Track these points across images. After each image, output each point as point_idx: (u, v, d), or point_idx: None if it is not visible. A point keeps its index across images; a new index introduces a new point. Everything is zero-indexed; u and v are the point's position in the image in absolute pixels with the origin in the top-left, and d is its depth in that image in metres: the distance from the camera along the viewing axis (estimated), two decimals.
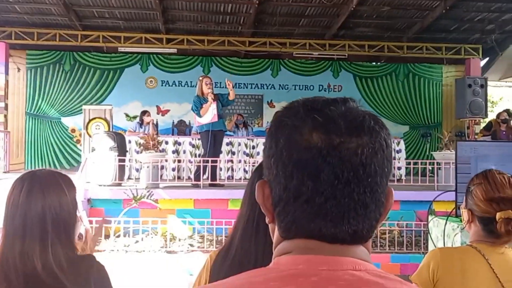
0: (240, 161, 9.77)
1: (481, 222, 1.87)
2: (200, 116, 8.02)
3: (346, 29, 12.71)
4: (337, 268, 0.73)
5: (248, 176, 9.22)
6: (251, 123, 13.32)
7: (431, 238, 4.23)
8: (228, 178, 9.05)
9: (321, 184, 0.73)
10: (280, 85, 14.43)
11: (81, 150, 11.42)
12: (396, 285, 0.72)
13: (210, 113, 7.99)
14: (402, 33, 13.18)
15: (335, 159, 0.73)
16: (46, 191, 1.73)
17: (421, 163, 8.79)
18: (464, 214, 1.96)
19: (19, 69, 13.49)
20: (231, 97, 8.25)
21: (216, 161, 8.20)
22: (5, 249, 1.69)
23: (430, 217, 5.19)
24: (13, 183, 1.79)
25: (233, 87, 8.25)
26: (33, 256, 1.65)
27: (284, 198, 0.77)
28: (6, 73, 12.60)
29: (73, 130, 13.52)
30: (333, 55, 13.61)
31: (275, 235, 0.82)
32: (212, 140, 8.09)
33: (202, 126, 8.13)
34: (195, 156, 9.80)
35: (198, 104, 8.04)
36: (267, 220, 0.83)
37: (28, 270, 1.64)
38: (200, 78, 8.41)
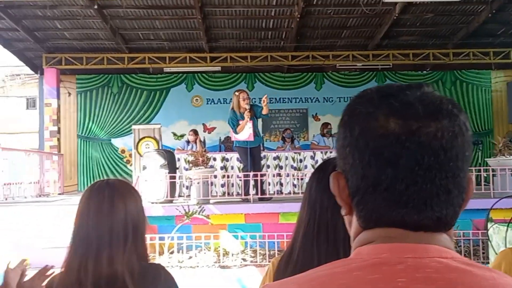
0: (288, 175, 9.74)
1: None
2: (236, 133, 8.07)
3: (389, 38, 12.60)
4: (423, 255, 0.71)
5: (296, 190, 9.19)
6: (297, 137, 13.29)
7: (492, 246, 4.10)
8: (277, 192, 9.03)
9: (401, 170, 0.71)
10: (324, 98, 14.38)
11: (131, 170, 11.66)
12: (485, 272, 0.70)
13: (246, 132, 8.01)
14: (447, 40, 12.97)
15: (414, 144, 0.71)
16: (127, 199, 1.77)
17: (475, 170, 8.55)
18: None
19: (69, 94, 13.94)
20: (264, 112, 8.23)
21: (263, 175, 8.21)
22: (86, 255, 1.71)
23: (489, 225, 5.04)
24: (87, 193, 1.80)
25: (267, 103, 8.19)
26: (116, 261, 1.68)
27: (363, 187, 0.75)
28: (58, 97, 13.06)
29: (123, 151, 13.82)
30: (377, 65, 13.53)
31: (353, 226, 0.81)
32: (251, 156, 8.12)
33: (237, 142, 8.19)
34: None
35: (235, 121, 8.09)
36: (343, 212, 0.81)
37: (111, 273, 1.67)
38: (236, 94, 8.38)
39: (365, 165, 0.74)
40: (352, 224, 0.81)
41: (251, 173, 8.20)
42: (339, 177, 0.79)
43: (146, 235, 1.85)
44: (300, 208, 1.71)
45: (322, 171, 1.68)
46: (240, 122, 8.04)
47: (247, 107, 8.09)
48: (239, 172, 9.95)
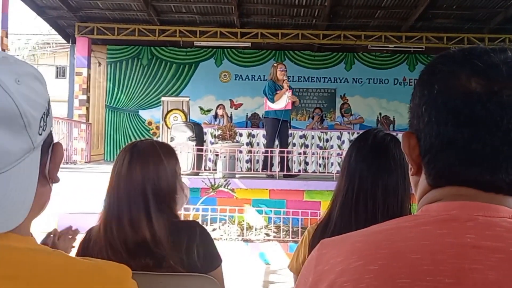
0: (313, 154, 9.71)
1: None
2: (273, 101, 8.00)
3: (424, 20, 12.35)
4: (494, 215, 0.71)
5: (321, 169, 9.16)
6: (325, 116, 13.21)
7: None
8: (302, 170, 9.02)
9: (479, 130, 0.71)
10: (353, 78, 14.27)
11: None
12: None
13: (283, 100, 7.98)
14: (483, 24, 12.67)
15: (495, 105, 0.70)
16: (145, 162, 1.76)
17: None
18: None
19: (100, 64, 14.05)
20: (295, 104, 8.28)
21: (290, 152, 8.20)
22: (110, 218, 1.74)
23: None
24: (118, 155, 1.85)
25: (292, 100, 8.21)
26: (140, 225, 1.69)
27: (437, 145, 0.75)
28: (89, 67, 13.17)
29: (150, 123, 13.94)
30: (410, 47, 13.29)
31: (420, 185, 0.81)
32: (280, 129, 8.08)
33: (270, 112, 8.14)
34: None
35: (273, 89, 8.03)
36: (410, 172, 0.82)
37: (139, 238, 1.67)
38: (275, 65, 8.40)
39: (442, 123, 0.74)
40: (419, 184, 0.81)
41: (277, 150, 8.21)
42: (410, 136, 0.80)
43: (176, 196, 1.84)
44: (338, 178, 1.72)
45: (363, 141, 1.68)
46: (278, 92, 8.02)
47: (285, 78, 8.08)
48: (264, 148, 9.96)
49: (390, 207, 1.55)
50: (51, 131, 0.88)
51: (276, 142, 8.47)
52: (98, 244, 1.72)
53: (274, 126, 8.08)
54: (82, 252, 1.79)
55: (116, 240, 1.69)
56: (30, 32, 22.23)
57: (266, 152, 8.35)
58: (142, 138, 2.07)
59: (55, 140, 0.91)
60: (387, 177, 1.55)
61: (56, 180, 0.90)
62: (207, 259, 1.76)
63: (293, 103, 8.36)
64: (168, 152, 1.86)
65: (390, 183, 1.55)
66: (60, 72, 23.54)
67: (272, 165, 8.25)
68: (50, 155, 0.88)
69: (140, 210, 1.71)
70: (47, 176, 0.87)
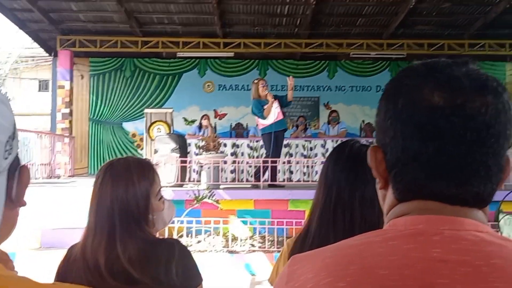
0: (298, 163, 9.72)
1: None
2: (264, 118, 7.99)
3: (404, 27, 12.48)
4: (460, 228, 0.71)
5: (306, 177, 9.17)
6: (308, 125, 13.24)
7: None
8: (287, 179, 9.03)
9: (443, 144, 0.72)
10: (336, 86, 14.33)
11: (141, 154, 11.70)
12: None
13: (273, 113, 7.98)
14: (463, 30, 12.80)
15: (458, 118, 0.71)
16: (115, 183, 1.74)
17: None
18: None
19: (82, 76, 13.97)
20: (289, 98, 8.20)
21: (275, 162, 8.20)
22: (87, 236, 1.72)
23: (500, 216, 5.01)
24: (97, 173, 1.84)
25: (293, 88, 8.19)
26: (109, 245, 1.67)
27: (403, 159, 0.75)
28: (71, 80, 13.08)
29: (134, 135, 13.87)
30: (391, 55, 13.39)
31: (387, 199, 0.81)
32: (275, 140, 8.06)
33: (265, 128, 8.12)
34: (253, 158, 9.84)
35: (259, 106, 8.02)
36: (378, 186, 0.83)
37: (111, 259, 1.65)
38: (256, 81, 8.37)
39: (407, 137, 0.74)
40: (386, 197, 0.81)
41: (263, 159, 8.20)
42: (377, 150, 0.80)
43: (149, 216, 1.81)
44: (316, 190, 1.71)
45: (340, 152, 1.67)
46: (265, 107, 8.01)
47: (267, 92, 8.09)
48: (249, 158, 9.96)
49: (368, 218, 1.54)
50: (17, 154, 0.87)
51: None
52: (77, 263, 1.70)
53: (269, 139, 8.09)
54: (62, 270, 1.76)
55: (90, 260, 1.67)
56: (12, 46, 22.05)
57: (250, 162, 8.33)
58: (124, 155, 2.06)
59: (25, 161, 0.90)
60: (364, 188, 1.55)
61: (23, 203, 0.89)
62: (186, 277, 1.73)
63: (284, 100, 8.27)
64: (142, 172, 1.81)
65: (367, 194, 1.54)
66: (42, 86, 23.34)
67: (258, 175, 8.23)
68: (17, 179, 0.86)
69: (104, 235, 1.69)
70: (13, 200, 0.86)
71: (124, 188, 1.73)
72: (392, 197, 0.79)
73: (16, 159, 0.86)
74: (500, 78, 9.01)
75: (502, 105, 0.73)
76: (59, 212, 6.77)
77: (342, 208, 1.57)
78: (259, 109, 8.00)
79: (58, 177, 11.06)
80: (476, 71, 0.75)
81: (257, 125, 8.66)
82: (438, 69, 0.75)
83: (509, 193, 3.71)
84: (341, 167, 1.62)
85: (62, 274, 1.74)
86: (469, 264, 0.67)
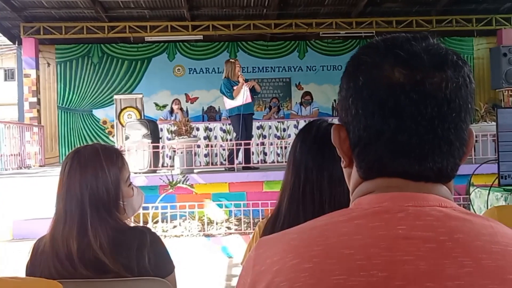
0: (271, 144, 9.74)
1: None
2: (232, 98, 7.97)
3: (373, 5, 12.49)
4: (424, 204, 0.72)
5: (280, 159, 9.20)
6: (281, 106, 13.25)
7: (473, 209, 4.17)
8: (261, 161, 9.04)
9: (404, 121, 0.72)
10: (307, 66, 14.30)
11: (113, 141, 11.57)
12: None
13: (242, 95, 7.96)
14: (430, 7, 12.89)
15: (418, 94, 0.71)
16: (84, 170, 1.73)
17: None
18: None
19: (49, 64, 13.67)
20: (257, 90, 8.29)
21: (249, 144, 8.20)
22: (56, 226, 1.71)
23: (471, 189, 5.09)
24: (63, 161, 1.81)
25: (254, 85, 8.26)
26: (80, 233, 1.66)
27: (365, 137, 0.75)
28: (37, 68, 12.82)
29: (105, 122, 13.69)
30: (361, 33, 13.43)
31: (352, 178, 0.81)
32: (243, 123, 8.06)
33: (233, 109, 8.09)
34: (227, 141, 9.82)
35: (229, 87, 8.00)
36: (342, 164, 0.83)
37: (81, 247, 1.65)
38: (232, 60, 8.40)
39: (369, 115, 0.74)
40: (351, 176, 0.82)
41: (235, 142, 8.20)
42: (340, 129, 0.80)
43: (120, 203, 1.80)
44: (285, 171, 1.71)
45: (307, 132, 1.67)
46: (235, 88, 7.99)
47: (241, 73, 8.16)
48: (222, 142, 9.94)
49: (337, 197, 1.55)
50: None
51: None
52: (45, 255, 1.68)
53: (238, 121, 8.07)
54: (30, 264, 1.74)
55: (61, 249, 1.65)
56: None
57: (224, 145, 8.32)
58: (90, 143, 2.03)
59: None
60: (332, 167, 1.55)
61: None
62: (158, 265, 1.73)
63: (253, 90, 8.33)
64: (111, 159, 1.80)
65: (335, 173, 1.54)
66: (8, 75, 22.88)
67: (231, 157, 8.23)
68: None
69: (74, 223, 1.68)
70: None
71: (94, 175, 1.73)
72: (356, 176, 0.79)
73: None
74: (467, 53, 9.12)
75: (463, 79, 0.73)
76: (30, 203, 6.68)
77: (311, 188, 1.58)
78: (229, 88, 7.99)
79: (29, 167, 10.88)
80: (436, 46, 0.75)
81: (224, 105, 8.63)
82: (397, 45, 0.75)
83: (478, 167, 3.77)
84: (308, 147, 1.61)
85: (31, 268, 1.72)
86: (433, 240, 0.67)
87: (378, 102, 0.73)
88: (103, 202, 1.72)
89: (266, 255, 0.74)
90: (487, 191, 2.94)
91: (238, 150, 8.16)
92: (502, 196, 2.89)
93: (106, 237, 1.66)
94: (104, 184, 1.73)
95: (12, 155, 10.51)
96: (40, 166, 11.38)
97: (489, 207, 3.17)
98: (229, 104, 8.11)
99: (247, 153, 8.19)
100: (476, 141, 8.22)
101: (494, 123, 3.30)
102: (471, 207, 3.67)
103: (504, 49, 9.58)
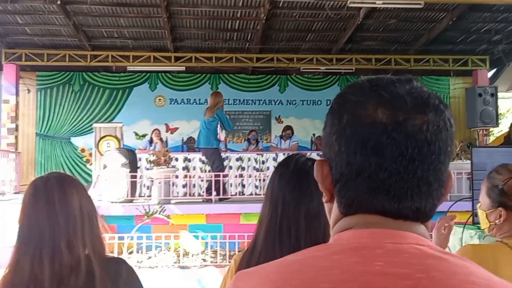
0: (250, 176, 9.72)
1: None
2: (231, 128, 8.19)
3: (353, 43, 12.75)
4: (402, 241, 0.73)
5: (258, 191, 9.17)
6: (260, 138, 13.29)
7: (448, 247, 4.20)
8: (239, 193, 9.00)
9: (385, 160, 0.73)
10: (287, 100, 14.42)
11: (90, 170, 11.45)
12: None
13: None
14: (408, 46, 13.19)
15: (400, 135, 0.72)
16: (77, 187, 1.75)
17: None
18: (492, 214, 1.91)
19: (29, 91, 13.56)
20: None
21: (226, 176, 8.18)
22: (41, 247, 1.65)
23: None
24: (31, 189, 1.73)
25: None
26: (76, 247, 1.64)
27: (346, 174, 0.76)
28: (17, 94, 12.73)
29: (83, 150, 13.54)
30: (340, 69, 13.62)
31: (333, 213, 0.82)
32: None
33: (218, 142, 8.16)
34: (205, 172, 9.78)
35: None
36: (324, 199, 0.83)
37: (75, 261, 1.63)
38: (221, 92, 8.52)
39: (351, 152, 0.75)
40: (332, 211, 0.82)
41: (214, 173, 8.17)
42: (323, 164, 0.81)
43: (103, 233, 1.80)
44: (263, 204, 1.70)
45: (285, 167, 1.67)
46: None
47: None
48: (201, 173, 9.89)
49: (313, 232, 1.54)
50: None
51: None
52: (20, 278, 1.62)
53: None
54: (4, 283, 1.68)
55: (45, 272, 1.60)
56: None
57: (203, 177, 8.28)
58: (73, 171, 2.00)
59: None
60: (309, 202, 1.55)
61: None
62: None
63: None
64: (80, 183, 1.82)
65: (312, 209, 1.54)
66: None
67: (218, 188, 8.19)
68: None
69: (78, 233, 1.67)
70: None
71: (84, 192, 1.77)
72: (337, 211, 0.80)
73: None
74: (444, 92, 9.29)
75: (444, 122, 0.75)
76: (4, 230, 6.52)
77: (287, 222, 1.57)
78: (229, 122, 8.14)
79: (3, 194, 10.66)
80: (419, 89, 0.77)
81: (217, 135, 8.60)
82: (382, 86, 0.77)
83: (453, 204, 3.78)
84: (286, 181, 1.61)
85: None
86: (410, 277, 0.68)
87: (360, 140, 0.74)
88: (89, 221, 1.71)
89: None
90: (462, 228, 2.95)
91: (217, 182, 8.14)
92: (476, 234, 2.91)
93: (97, 251, 1.65)
94: (87, 204, 1.74)
95: None
96: (15, 193, 11.16)
97: (463, 245, 3.18)
98: (221, 137, 8.14)
99: (224, 185, 8.18)
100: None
101: (469, 161, 3.34)
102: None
103: (479, 89, 9.78)
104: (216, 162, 8.33)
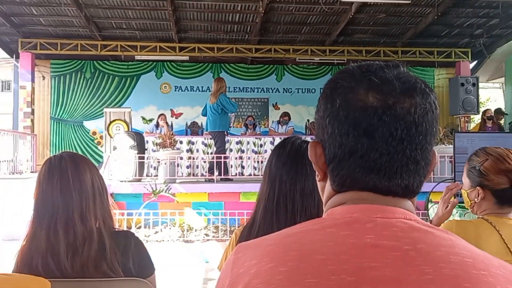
0: (249, 158, 9.73)
1: (495, 195, 1.85)
2: (235, 110, 8.32)
3: (345, 35, 12.68)
4: (391, 216, 0.73)
5: (256, 172, 9.19)
6: (258, 123, 13.28)
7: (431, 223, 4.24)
8: (239, 174, 9.02)
9: (376, 141, 0.73)
10: (284, 88, 14.38)
11: (101, 151, 11.44)
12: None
13: None
14: (397, 39, 13.13)
15: (389, 117, 0.72)
16: (89, 164, 1.76)
17: None
18: (472, 193, 1.93)
19: (44, 77, 13.52)
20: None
21: (227, 158, 8.20)
22: (55, 218, 1.66)
23: (430, 205, 5.15)
24: (47, 166, 1.72)
25: None
26: (88, 218, 1.65)
27: (339, 154, 0.76)
28: (33, 81, 12.67)
29: (94, 133, 13.54)
30: (333, 60, 13.58)
31: (326, 190, 0.82)
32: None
33: (226, 126, 8.18)
34: (207, 154, 9.80)
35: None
36: (317, 178, 0.83)
37: (88, 231, 1.64)
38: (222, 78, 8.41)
39: (344, 134, 0.75)
40: (325, 189, 0.82)
41: (216, 155, 8.18)
42: (316, 145, 0.80)
43: (113, 209, 1.80)
44: (261, 183, 1.71)
45: (281, 148, 1.67)
46: None
47: None
48: (204, 154, 9.91)
49: (308, 208, 1.55)
50: None
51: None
52: (37, 247, 1.62)
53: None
54: (19, 260, 1.68)
55: (60, 242, 1.61)
56: None
57: (205, 158, 8.29)
58: (85, 152, 2.00)
59: None
60: (304, 181, 1.56)
61: None
62: (141, 266, 1.72)
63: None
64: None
65: (307, 186, 1.55)
66: (5, 86, 22.52)
67: (213, 170, 8.19)
68: None
69: (90, 205, 1.69)
70: None
71: (95, 168, 1.77)
72: (330, 189, 0.80)
73: None
74: (429, 82, 9.24)
75: (429, 105, 0.75)
76: (21, 205, 6.54)
77: (284, 199, 1.58)
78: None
79: (21, 172, 10.67)
80: (406, 74, 0.77)
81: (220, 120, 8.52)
82: (371, 71, 0.76)
83: (437, 185, 3.80)
84: (283, 162, 1.62)
85: (19, 265, 1.67)
86: (398, 249, 0.68)
87: (353, 123, 0.74)
88: (100, 195, 1.72)
89: (244, 259, 0.74)
90: None
91: (218, 163, 8.13)
92: (457, 212, 2.93)
93: (107, 221, 1.66)
94: (99, 179, 1.75)
95: (4, 161, 10.30)
96: (32, 172, 11.17)
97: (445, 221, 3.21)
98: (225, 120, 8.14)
99: (226, 166, 8.18)
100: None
101: (451, 146, 3.34)
102: (428, 221, 3.70)
103: (462, 79, 9.77)
104: (218, 144, 8.32)
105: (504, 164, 1.82)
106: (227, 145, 9.62)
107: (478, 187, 1.90)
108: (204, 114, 8.38)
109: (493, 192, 1.86)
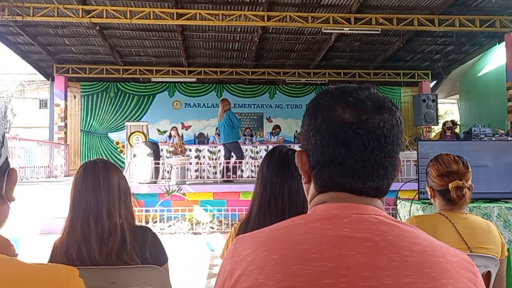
0: (247, 163, 9.71)
1: (440, 194, 1.85)
2: (239, 125, 8.26)
3: (326, 60, 12.74)
4: (364, 212, 0.73)
5: (253, 174, 9.15)
6: (255, 134, 13.29)
7: (400, 217, 4.22)
8: (238, 176, 8.99)
9: (351, 150, 0.74)
10: (276, 104, 14.42)
11: (123, 158, 11.41)
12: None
13: None
14: (369, 63, 13.19)
15: (363, 131, 0.73)
16: (118, 170, 1.75)
17: None
18: (428, 192, 1.93)
19: (75, 97, 13.52)
20: None
21: (229, 163, 8.18)
22: (88, 213, 1.64)
23: (398, 201, 5.14)
24: (82, 169, 1.70)
25: None
26: (113, 214, 1.64)
27: (321, 161, 0.77)
28: (65, 99, 12.72)
29: (117, 143, 13.52)
30: (317, 81, 13.62)
31: (310, 191, 0.82)
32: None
33: (237, 137, 8.21)
34: (213, 160, 9.78)
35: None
36: (303, 181, 0.83)
37: (112, 226, 1.63)
38: (227, 99, 8.38)
39: (325, 144, 0.75)
40: (309, 190, 0.82)
41: (219, 161, 8.15)
42: (302, 154, 0.81)
43: (134, 207, 1.79)
44: (255, 184, 1.70)
45: (271, 155, 1.67)
46: None
47: None
48: (209, 160, 9.89)
49: (294, 205, 1.55)
50: (6, 158, 0.82)
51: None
52: (73, 237, 1.61)
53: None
54: (53, 252, 1.67)
55: (92, 232, 1.60)
56: (16, 72, 21.14)
57: (210, 163, 8.25)
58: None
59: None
60: (291, 182, 1.55)
61: (12, 199, 0.84)
62: (157, 256, 1.71)
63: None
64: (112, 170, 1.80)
65: (293, 186, 1.55)
66: (42, 104, 22.44)
67: (229, 172, 8.17)
68: (6, 179, 0.82)
69: (115, 204, 1.67)
70: (4, 196, 0.81)
71: (122, 174, 1.76)
72: (313, 190, 0.81)
73: (6, 163, 0.82)
74: (396, 99, 9.27)
75: (395, 120, 0.76)
76: (56, 204, 6.50)
77: (275, 198, 1.58)
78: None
79: (56, 177, 10.63)
80: (376, 94, 0.77)
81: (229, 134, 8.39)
82: (347, 92, 0.77)
83: (403, 184, 3.81)
84: (273, 166, 1.62)
85: (54, 255, 1.66)
86: (370, 240, 0.69)
87: (332, 135, 0.75)
88: (124, 195, 1.71)
89: (242, 249, 0.75)
90: (410, 203, 2.96)
91: (228, 167, 8.13)
92: (421, 207, 2.92)
93: (129, 219, 1.66)
94: (124, 183, 1.74)
95: (42, 167, 10.27)
96: (65, 176, 11.14)
97: (410, 216, 3.20)
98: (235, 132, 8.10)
99: (228, 170, 8.16)
100: (402, 165, 8.33)
101: (415, 152, 3.35)
102: (397, 215, 3.68)
103: (424, 96, 9.78)
104: (237, 153, 8.29)
105: (442, 169, 1.82)
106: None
107: (429, 187, 1.90)
108: (219, 130, 8.40)
109: (438, 192, 1.85)
